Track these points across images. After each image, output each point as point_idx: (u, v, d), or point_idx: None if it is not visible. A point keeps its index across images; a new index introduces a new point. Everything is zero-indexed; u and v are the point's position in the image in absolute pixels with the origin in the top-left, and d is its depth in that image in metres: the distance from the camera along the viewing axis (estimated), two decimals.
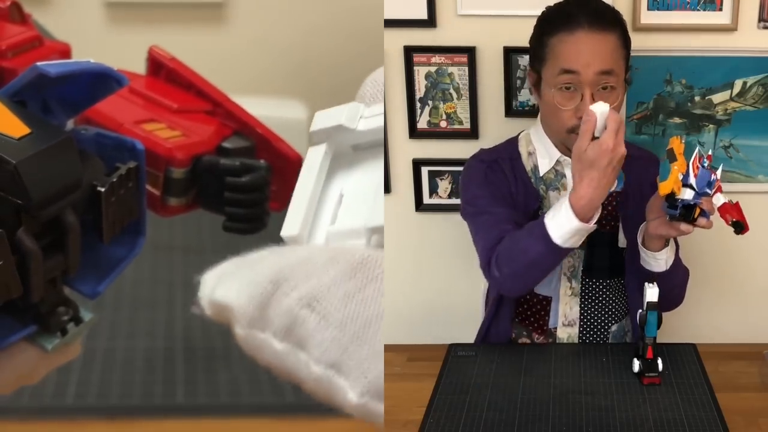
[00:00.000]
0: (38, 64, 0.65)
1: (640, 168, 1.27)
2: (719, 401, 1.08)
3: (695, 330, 1.48)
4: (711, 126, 1.49)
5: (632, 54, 1.45)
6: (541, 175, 1.27)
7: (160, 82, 0.85)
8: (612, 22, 1.20)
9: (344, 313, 0.46)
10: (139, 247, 0.73)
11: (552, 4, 1.23)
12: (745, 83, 1.46)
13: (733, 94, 1.47)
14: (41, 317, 0.66)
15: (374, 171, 0.63)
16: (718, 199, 1.09)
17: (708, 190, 1.08)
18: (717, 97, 1.47)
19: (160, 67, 0.86)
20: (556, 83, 1.18)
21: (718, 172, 1.09)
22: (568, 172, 1.25)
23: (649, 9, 1.44)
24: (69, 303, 0.69)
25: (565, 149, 1.24)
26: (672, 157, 1.08)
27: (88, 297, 0.70)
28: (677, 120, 1.49)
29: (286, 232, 0.59)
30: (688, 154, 1.09)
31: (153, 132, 0.77)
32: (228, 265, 0.51)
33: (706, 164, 1.08)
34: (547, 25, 1.22)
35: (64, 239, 0.64)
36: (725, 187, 1.51)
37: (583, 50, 1.17)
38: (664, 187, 1.07)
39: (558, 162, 1.25)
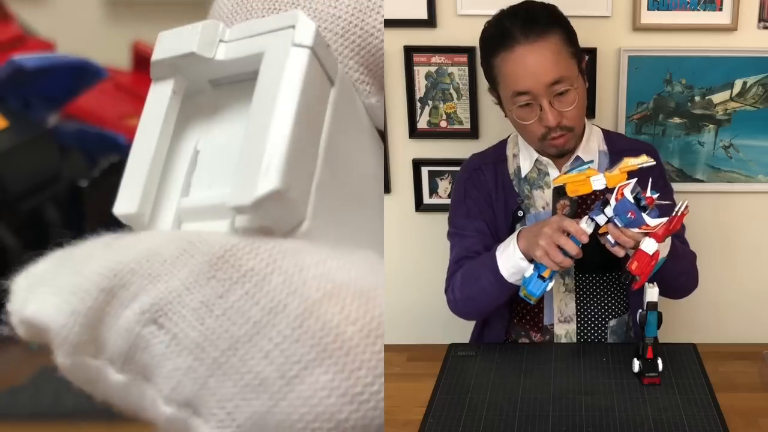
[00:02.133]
0: (15, 57, 0.65)
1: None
2: (719, 401, 1.08)
3: (695, 330, 1.48)
4: (711, 126, 1.49)
5: (632, 54, 1.45)
6: (524, 175, 1.28)
7: (146, 77, 0.84)
8: (547, 24, 1.18)
9: (201, 331, 0.33)
10: None
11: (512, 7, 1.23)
12: (745, 83, 1.46)
13: (733, 94, 1.47)
14: None
15: (239, 119, 0.46)
16: (647, 244, 1.05)
17: (619, 221, 1.05)
18: (717, 97, 1.47)
19: (145, 63, 0.85)
20: (513, 103, 1.20)
21: (652, 221, 1.04)
22: (551, 171, 1.27)
23: (649, 9, 1.44)
24: None
25: (545, 153, 1.26)
26: (611, 169, 1.07)
27: None
28: (677, 120, 1.49)
29: (119, 209, 0.43)
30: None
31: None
32: (44, 267, 0.38)
33: (632, 200, 1.05)
34: (488, 46, 1.22)
35: (45, 235, 0.64)
36: (725, 187, 1.52)
37: (528, 67, 1.17)
38: (558, 179, 1.09)
39: (538, 161, 1.27)
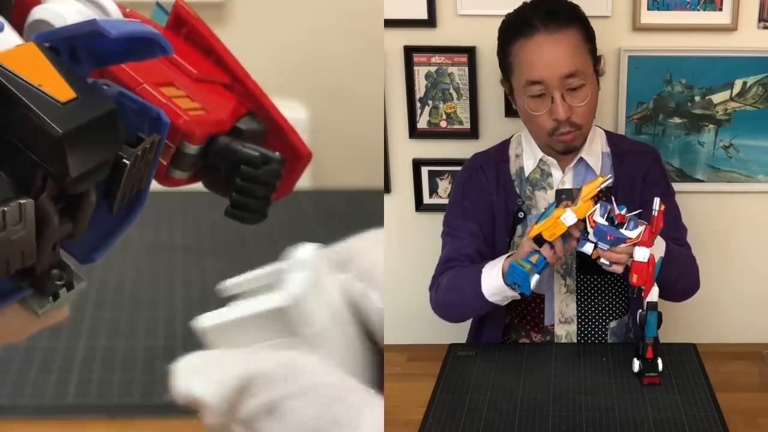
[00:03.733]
0: (98, 20, 0.61)
1: (632, 161, 1.28)
2: (719, 401, 1.08)
3: (695, 330, 1.48)
4: (711, 126, 1.49)
5: (632, 54, 1.45)
6: (526, 176, 1.28)
7: (179, 40, 0.79)
8: (569, 18, 1.20)
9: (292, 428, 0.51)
10: (136, 216, 0.70)
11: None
12: (745, 83, 1.46)
13: (733, 94, 1.47)
14: (36, 280, 0.63)
15: None
16: (639, 253, 1.07)
17: (603, 245, 1.08)
18: (717, 97, 1.47)
19: (182, 24, 0.80)
20: (525, 93, 1.20)
21: (632, 232, 1.06)
22: (554, 171, 1.27)
23: (649, 9, 1.44)
24: (64, 267, 0.66)
25: (549, 149, 1.26)
26: (575, 201, 1.09)
27: (80, 262, 0.69)
28: (677, 120, 1.49)
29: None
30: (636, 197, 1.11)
31: (173, 100, 0.72)
32: (198, 359, 0.56)
33: (605, 222, 1.07)
34: (507, 33, 1.23)
35: (76, 205, 0.62)
36: (725, 187, 1.52)
37: (544, 56, 1.18)
38: (532, 231, 1.11)
39: (542, 161, 1.27)
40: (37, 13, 0.70)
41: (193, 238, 1.80)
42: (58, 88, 0.58)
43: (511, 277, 1.13)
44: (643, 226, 1.06)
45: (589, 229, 1.08)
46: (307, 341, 0.58)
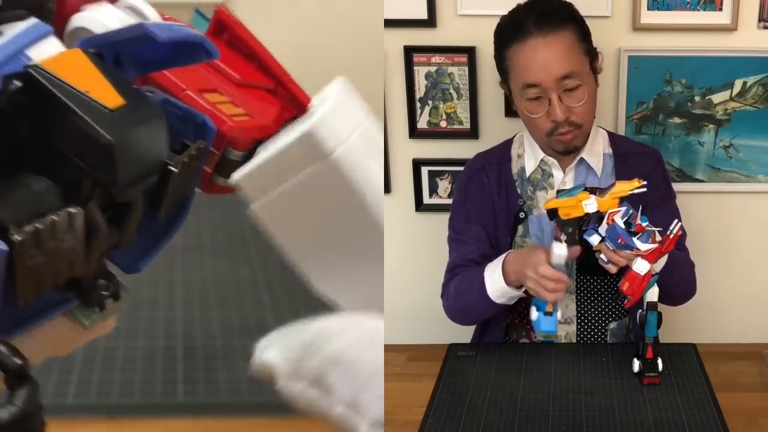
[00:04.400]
0: (146, 24, 0.60)
1: (634, 163, 1.28)
2: (719, 401, 1.08)
3: (695, 330, 1.48)
4: (711, 126, 1.49)
5: (632, 54, 1.45)
6: (527, 176, 1.28)
7: (222, 46, 0.77)
8: (562, 19, 1.20)
9: (357, 368, 0.60)
10: (181, 224, 0.69)
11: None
12: (745, 83, 1.46)
13: (733, 94, 1.47)
14: (83, 291, 0.63)
15: None
16: (638, 265, 1.07)
17: (610, 244, 1.07)
18: (717, 97, 1.47)
19: (223, 30, 0.79)
20: (522, 96, 1.21)
21: (642, 245, 1.05)
22: (555, 172, 1.27)
23: (649, 9, 1.44)
24: (110, 277, 0.65)
25: (550, 150, 1.26)
26: (602, 192, 1.09)
27: (124, 271, 0.68)
28: (677, 120, 1.49)
29: None
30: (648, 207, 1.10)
31: (217, 106, 0.71)
32: (270, 336, 0.66)
33: (622, 225, 1.06)
34: (502, 37, 1.23)
35: (123, 214, 0.61)
36: (725, 187, 1.52)
37: (539, 59, 1.18)
38: (549, 203, 1.11)
39: (543, 161, 1.27)
40: (77, 20, 0.69)
41: (193, 238, 1.80)
42: (106, 94, 0.57)
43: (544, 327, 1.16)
44: (655, 245, 1.06)
45: (604, 224, 1.07)
46: (338, 163, 0.63)
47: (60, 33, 0.69)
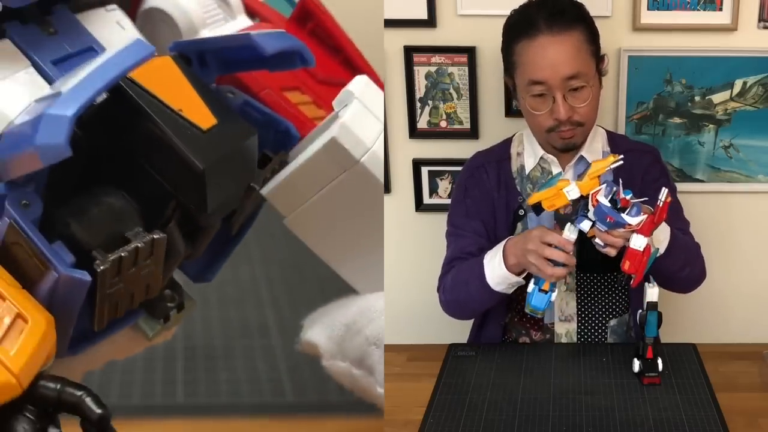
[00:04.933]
0: (253, 35, 0.58)
1: (632, 160, 1.28)
2: (719, 401, 1.08)
3: (695, 330, 1.48)
4: (711, 126, 1.49)
5: (632, 54, 1.45)
6: (527, 173, 1.28)
7: (304, 35, 0.74)
8: (573, 19, 1.20)
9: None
10: (246, 233, 0.68)
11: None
12: (745, 83, 1.46)
13: (733, 94, 1.47)
14: (149, 303, 0.62)
15: None
16: (635, 241, 1.05)
17: (601, 226, 1.05)
18: (717, 97, 1.47)
19: (308, 17, 0.75)
20: (527, 92, 1.21)
21: (633, 219, 1.04)
22: (554, 170, 1.27)
23: (649, 9, 1.44)
24: (176, 287, 0.64)
25: (550, 147, 1.26)
26: (581, 176, 1.07)
27: (192, 280, 0.67)
28: (677, 120, 1.49)
29: None
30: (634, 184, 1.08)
31: (299, 107, 0.69)
32: (315, 313, 0.67)
33: (608, 203, 1.04)
34: (511, 31, 1.23)
35: (199, 230, 0.59)
36: (725, 187, 1.52)
37: (547, 57, 1.18)
38: (532, 198, 1.10)
39: (542, 159, 1.27)
40: (150, 0, 0.67)
41: None
42: (199, 113, 0.55)
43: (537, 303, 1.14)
44: (645, 215, 1.04)
45: (590, 207, 1.06)
46: (366, 168, 0.63)
47: (134, 11, 0.67)
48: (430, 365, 1.21)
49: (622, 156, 1.07)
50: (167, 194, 0.55)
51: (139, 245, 0.53)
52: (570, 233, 1.09)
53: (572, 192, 1.06)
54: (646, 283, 1.11)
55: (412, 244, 1.59)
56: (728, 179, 1.52)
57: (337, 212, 0.66)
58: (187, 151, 0.53)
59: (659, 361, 1.13)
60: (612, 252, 1.08)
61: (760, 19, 1.44)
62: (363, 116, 0.64)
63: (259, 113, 0.64)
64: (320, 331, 0.64)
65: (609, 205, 1.04)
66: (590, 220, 1.07)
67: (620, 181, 1.06)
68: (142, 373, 1.36)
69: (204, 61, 0.62)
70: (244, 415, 1.36)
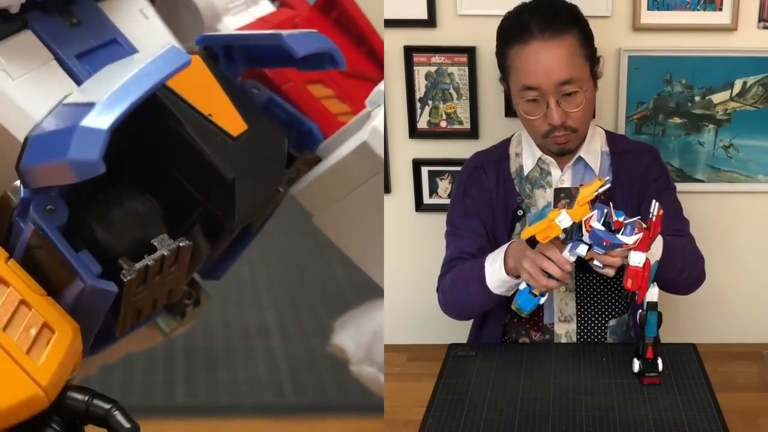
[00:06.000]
0: (284, 35, 0.57)
1: (631, 160, 1.28)
2: (719, 401, 1.08)
3: (695, 330, 1.48)
4: (711, 126, 1.49)
5: (632, 54, 1.45)
6: (525, 174, 1.28)
7: (329, 25, 0.73)
8: (566, 23, 1.19)
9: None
10: (258, 234, 0.67)
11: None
12: (745, 83, 1.46)
13: (733, 94, 1.47)
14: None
15: None
16: (634, 258, 1.05)
17: (598, 249, 1.06)
18: (717, 97, 1.47)
19: (333, 5, 0.73)
20: (521, 97, 1.21)
21: (629, 238, 1.04)
22: (553, 170, 1.27)
23: (649, 9, 1.44)
24: (193, 284, 0.64)
25: (547, 150, 1.27)
26: (571, 204, 1.07)
27: (202, 276, 0.66)
28: (677, 120, 1.49)
29: None
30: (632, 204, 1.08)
31: (322, 102, 0.68)
32: (344, 317, 0.69)
33: (601, 227, 1.05)
34: (505, 35, 1.23)
35: (219, 231, 0.58)
36: (725, 187, 1.52)
37: (540, 63, 1.17)
38: (525, 232, 1.10)
39: (541, 160, 1.27)
40: None
41: None
42: (229, 118, 0.54)
43: (524, 304, 1.14)
44: (641, 234, 1.05)
45: (584, 232, 1.07)
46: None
47: None
48: (430, 365, 1.21)
49: (609, 178, 1.08)
50: (193, 199, 0.54)
51: (165, 253, 0.52)
52: (570, 256, 1.10)
53: (564, 221, 1.06)
54: None
55: (412, 244, 1.59)
56: (728, 179, 1.52)
57: (365, 213, 0.65)
58: (217, 160, 0.52)
59: (659, 361, 1.13)
60: (611, 272, 1.09)
61: (760, 19, 1.44)
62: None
63: (284, 112, 0.63)
64: (349, 336, 0.67)
65: (603, 228, 1.05)
66: (585, 243, 1.07)
67: (611, 204, 1.07)
68: (142, 373, 1.36)
69: (230, 55, 0.60)
70: (244, 416, 1.36)
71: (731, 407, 1.07)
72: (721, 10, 1.43)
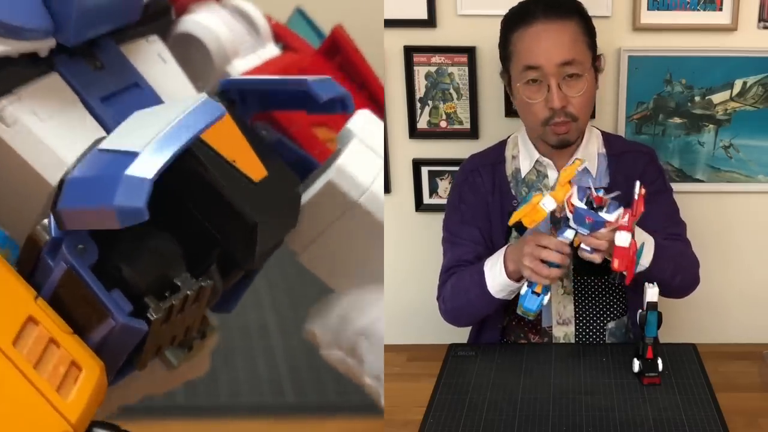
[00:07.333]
0: (309, 81, 0.60)
1: (628, 161, 1.28)
2: (719, 401, 1.08)
3: (695, 330, 1.48)
4: (711, 126, 1.49)
5: (632, 54, 1.45)
6: (522, 176, 1.28)
7: (332, 68, 0.77)
8: (569, 10, 1.21)
9: (382, 343, 0.66)
10: (264, 263, 0.69)
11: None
12: (745, 83, 1.46)
13: (733, 94, 1.47)
14: None
15: None
16: (620, 238, 1.05)
17: (583, 230, 1.06)
18: (717, 97, 1.47)
19: (336, 51, 0.77)
20: (522, 79, 1.21)
21: (611, 215, 1.05)
22: (550, 173, 1.27)
23: (649, 9, 1.44)
24: (201, 318, 0.65)
25: (545, 149, 1.26)
26: (553, 187, 1.08)
27: (212, 310, 0.67)
28: (677, 120, 1.49)
29: None
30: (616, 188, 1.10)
31: (326, 144, 0.71)
32: (318, 304, 0.71)
33: (583, 205, 1.05)
34: (509, 24, 1.24)
35: (230, 267, 0.60)
36: (725, 187, 1.52)
37: (542, 42, 1.19)
38: (512, 219, 1.10)
39: (538, 162, 1.27)
40: (185, 24, 0.68)
41: None
42: (250, 165, 0.57)
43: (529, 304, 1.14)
44: (622, 209, 1.05)
45: (569, 215, 1.07)
46: (365, 206, 0.65)
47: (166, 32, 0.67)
48: (430, 365, 1.21)
49: (585, 160, 1.10)
50: (213, 240, 0.56)
51: (189, 293, 0.54)
52: (569, 235, 1.10)
53: (548, 203, 1.07)
54: (646, 283, 1.11)
55: (412, 244, 1.59)
56: (728, 179, 1.52)
57: (342, 248, 0.68)
58: (240, 205, 0.54)
59: (659, 361, 1.13)
60: (598, 258, 1.09)
61: (760, 19, 1.44)
62: (361, 155, 0.65)
63: (291, 152, 0.66)
64: (319, 321, 0.69)
65: (585, 206, 1.06)
66: (573, 228, 1.08)
67: (591, 182, 1.08)
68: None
69: (244, 99, 0.63)
70: (244, 416, 1.36)
71: (731, 407, 1.07)
72: (721, 10, 1.43)
